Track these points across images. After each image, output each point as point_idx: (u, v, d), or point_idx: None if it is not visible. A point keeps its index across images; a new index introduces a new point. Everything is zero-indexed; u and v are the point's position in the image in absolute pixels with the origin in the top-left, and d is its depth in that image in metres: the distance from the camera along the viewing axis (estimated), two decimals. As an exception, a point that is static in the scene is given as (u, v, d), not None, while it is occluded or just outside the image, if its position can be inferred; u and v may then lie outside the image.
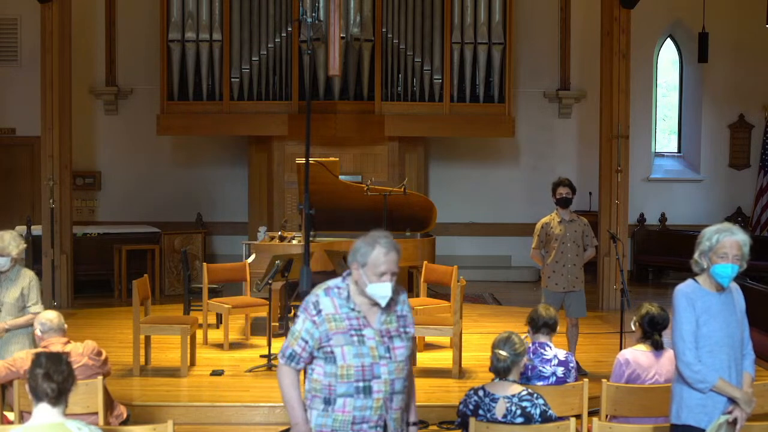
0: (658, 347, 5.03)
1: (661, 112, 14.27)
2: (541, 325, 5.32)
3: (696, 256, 4.06)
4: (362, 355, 3.54)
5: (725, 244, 3.97)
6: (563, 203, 7.65)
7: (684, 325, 3.97)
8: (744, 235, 4.03)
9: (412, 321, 3.75)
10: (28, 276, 5.87)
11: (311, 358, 3.61)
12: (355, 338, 3.55)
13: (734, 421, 3.93)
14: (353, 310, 3.59)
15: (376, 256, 3.52)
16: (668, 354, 4.91)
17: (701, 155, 13.80)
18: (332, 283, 3.66)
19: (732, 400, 3.95)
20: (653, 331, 5.03)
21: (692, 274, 4.11)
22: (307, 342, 3.58)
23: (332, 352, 3.53)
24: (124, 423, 5.41)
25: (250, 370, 7.49)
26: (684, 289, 4.05)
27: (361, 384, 3.53)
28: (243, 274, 8.87)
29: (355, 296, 3.60)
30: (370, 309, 3.61)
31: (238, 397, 6.78)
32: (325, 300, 3.60)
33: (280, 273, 7.68)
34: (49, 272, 10.35)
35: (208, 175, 13.17)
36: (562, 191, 7.64)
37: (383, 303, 3.58)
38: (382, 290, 3.54)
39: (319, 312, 3.57)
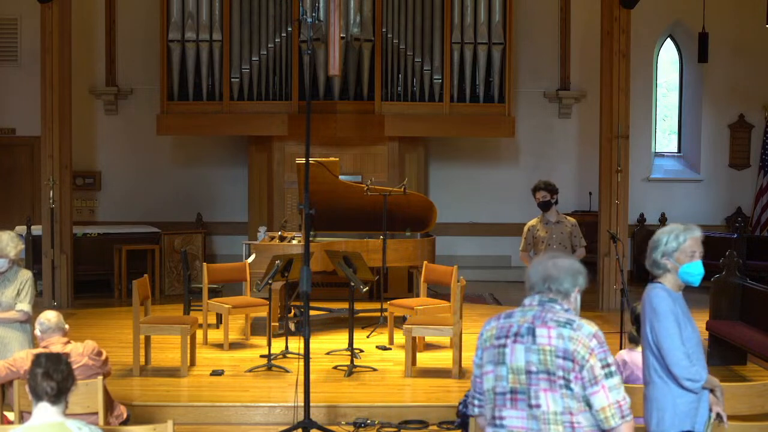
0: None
1: (661, 112, 14.26)
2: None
3: (658, 258, 3.97)
4: None
5: (692, 242, 3.94)
6: (543, 207, 7.76)
7: (673, 329, 3.86)
8: (701, 232, 4.04)
9: None
10: (25, 275, 5.87)
11: None
12: None
13: (718, 416, 3.92)
14: None
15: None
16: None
17: (701, 155, 13.79)
18: (586, 322, 3.31)
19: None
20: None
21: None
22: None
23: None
24: (124, 423, 5.41)
25: (249, 370, 7.50)
26: (661, 293, 3.94)
27: None
28: (243, 274, 8.87)
29: None
30: None
31: (238, 397, 6.79)
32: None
33: (280, 273, 7.68)
34: (49, 272, 10.36)
35: (208, 175, 13.16)
36: (539, 195, 7.74)
37: None
38: None
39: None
